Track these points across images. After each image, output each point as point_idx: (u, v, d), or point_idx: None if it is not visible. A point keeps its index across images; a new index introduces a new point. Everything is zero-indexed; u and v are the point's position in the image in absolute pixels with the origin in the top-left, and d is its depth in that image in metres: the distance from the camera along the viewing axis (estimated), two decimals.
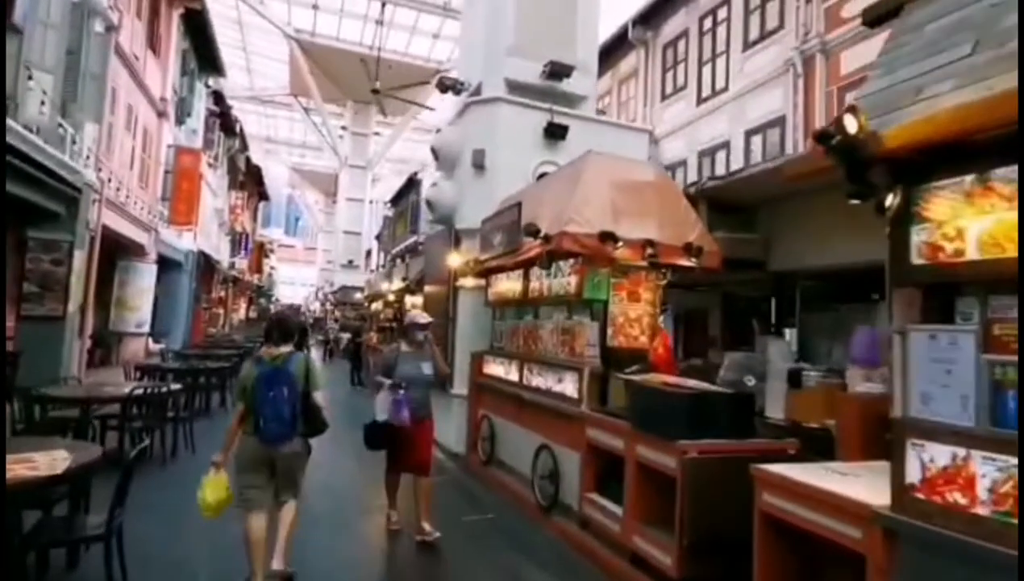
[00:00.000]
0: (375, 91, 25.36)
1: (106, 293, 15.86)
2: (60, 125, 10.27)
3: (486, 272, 6.88)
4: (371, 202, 35.53)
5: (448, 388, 7.99)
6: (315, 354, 16.02)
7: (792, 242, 5.61)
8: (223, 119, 22.03)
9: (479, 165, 7.98)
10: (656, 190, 5.26)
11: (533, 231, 4.83)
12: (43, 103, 9.13)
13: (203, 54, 19.04)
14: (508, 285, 6.61)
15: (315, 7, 25.41)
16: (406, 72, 27.44)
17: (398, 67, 27.07)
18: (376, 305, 15.47)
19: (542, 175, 7.93)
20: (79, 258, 11.13)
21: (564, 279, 5.27)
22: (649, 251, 4.72)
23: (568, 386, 4.96)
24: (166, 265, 18.72)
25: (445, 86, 8.93)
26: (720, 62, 13.45)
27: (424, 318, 5.36)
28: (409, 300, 11.32)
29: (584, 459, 4.70)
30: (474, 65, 8.97)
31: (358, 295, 22.31)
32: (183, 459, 7.28)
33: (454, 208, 8.38)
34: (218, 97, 21.16)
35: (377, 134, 33.11)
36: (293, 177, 45.44)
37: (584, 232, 4.66)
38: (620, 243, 4.61)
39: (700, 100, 13.96)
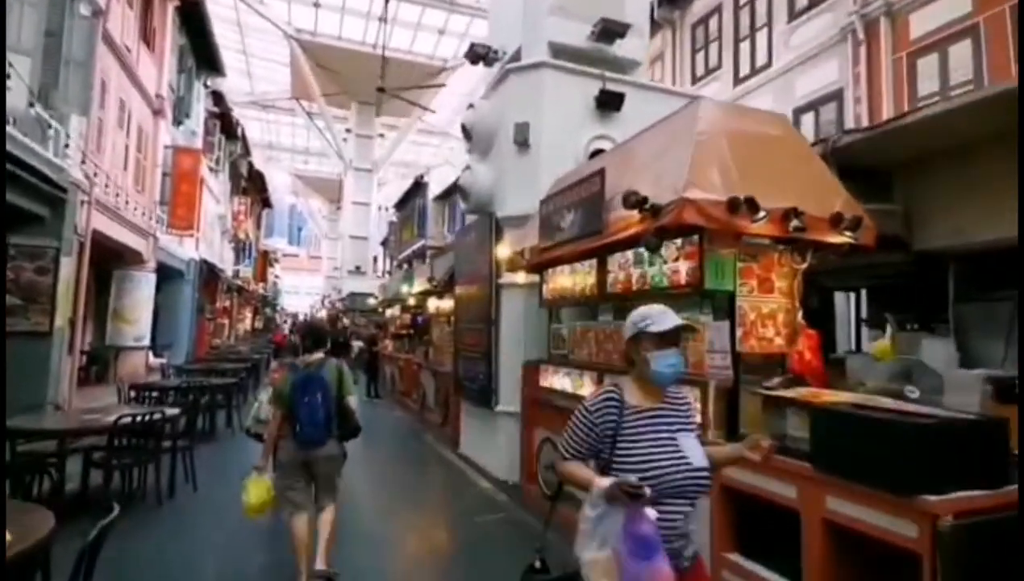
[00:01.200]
0: (380, 89, 24.22)
1: (102, 305, 14.63)
2: (40, 116, 9.05)
3: (542, 265, 5.61)
4: (378, 208, 34.32)
5: (493, 404, 6.73)
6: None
7: (945, 213, 4.34)
8: (223, 121, 20.82)
9: (522, 142, 6.72)
10: (787, 147, 3.98)
11: (637, 202, 3.56)
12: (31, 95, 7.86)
13: (201, 52, 17.84)
14: (573, 279, 5.34)
15: (316, 5, 24.22)
16: (410, 70, 26.26)
17: (402, 65, 25.86)
18: (392, 311, 14.20)
19: (595, 153, 6.68)
20: (67, 266, 9.88)
21: (666, 266, 4.00)
22: (795, 223, 3.44)
23: None
24: (166, 274, 17.48)
25: (476, 55, 7.67)
26: (761, 37, 12.22)
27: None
28: (434, 304, 10.09)
29: (716, 505, 3.42)
30: (509, 29, 7.72)
31: (371, 300, 21.02)
32: (183, 497, 6.01)
33: (491, 194, 7.13)
34: (218, 98, 19.96)
35: (381, 136, 31.89)
36: (296, 184, 44.21)
37: (710, 199, 3.39)
38: (762, 213, 3.35)
39: (737, 80, 12.72)
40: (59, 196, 9.54)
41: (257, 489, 3.60)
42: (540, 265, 5.58)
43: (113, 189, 12.14)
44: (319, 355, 3.93)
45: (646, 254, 4.17)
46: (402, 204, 37.19)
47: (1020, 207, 1.89)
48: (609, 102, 6.87)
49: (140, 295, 14.44)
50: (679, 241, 3.85)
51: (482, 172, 7.26)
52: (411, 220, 36.43)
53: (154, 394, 8.30)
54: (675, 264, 3.90)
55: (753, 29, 12.40)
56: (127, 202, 13.19)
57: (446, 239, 31.74)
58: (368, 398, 13.31)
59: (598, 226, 4.25)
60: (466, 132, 7.58)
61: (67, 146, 9.93)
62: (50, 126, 9.42)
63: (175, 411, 6.18)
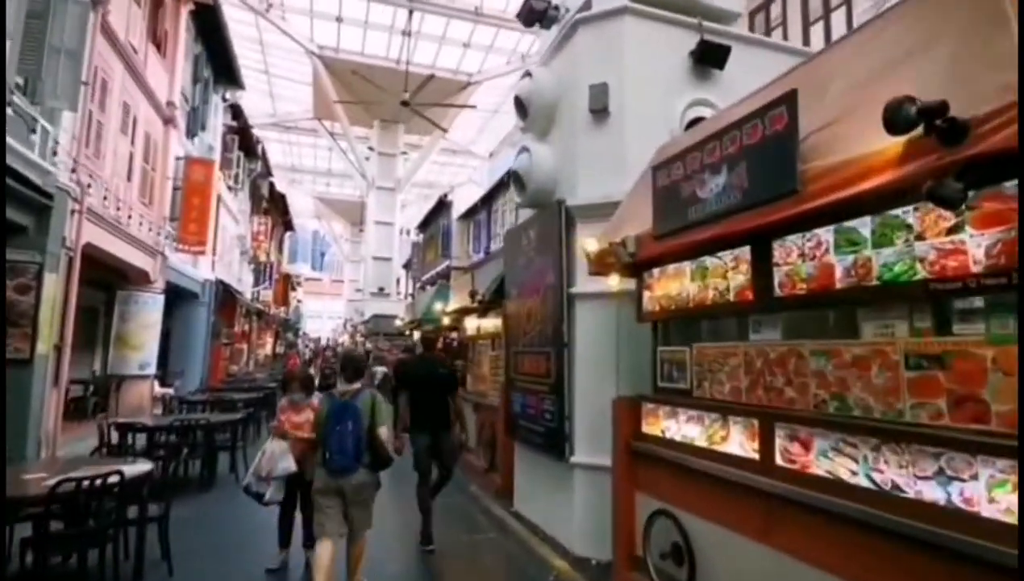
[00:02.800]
0: (405, 103, 23.00)
1: (104, 330, 13.23)
2: (21, 110, 7.69)
3: (654, 260, 3.90)
4: (400, 231, 33.00)
5: (566, 453, 4.99)
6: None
7: None
8: (242, 137, 19.62)
9: (600, 109, 5.08)
10: None
11: (920, 115, 1.85)
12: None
13: (218, 62, 16.68)
14: (700, 281, 3.62)
15: (339, 20, 23.18)
16: (434, 85, 25.03)
17: (426, 80, 24.67)
18: (421, 332, 12.64)
19: (693, 122, 5.03)
20: (52, 284, 8.41)
21: (926, 244, 2.28)
22: None
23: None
24: (180, 296, 16.09)
25: (532, 13, 6.08)
26: None
27: None
28: (473, 323, 8.43)
29: None
30: None
31: (397, 322, 19.42)
32: None
33: (555, 180, 5.49)
34: (236, 112, 18.78)
35: (404, 154, 30.68)
36: (318, 207, 43.27)
37: None
38: None
39: None
40: (44, 203, 8.14)
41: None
42: (654, 259, 3.85)
43: (114, 201, 10.76)
44: (356, 385, 3.96)
45: (872, 228, 2.46)
46: (425, 224, 35.85)
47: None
48: (710, 57, 5.22)
49: (146, 318, 12.99)
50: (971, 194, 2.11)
51: (542, 154, 5.62)
52: (435, 240, 35.04)
53: (132, 436, 6.67)
54: (955, 237, 2.18)
55: None
56: (131, 216, 11.83)
57: (471, 259, 30.24)
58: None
59: (790, 183, 2.54)
60: (520, 107, 5.97)
61: (56, 147, 8.55)
62: (36, 122, 8.06)
63: (144, 467, 4.52)
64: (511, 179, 6.02)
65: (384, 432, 3.87)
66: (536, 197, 5.65)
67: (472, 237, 31.78)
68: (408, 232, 35.66)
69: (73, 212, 8.93)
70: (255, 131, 22.63)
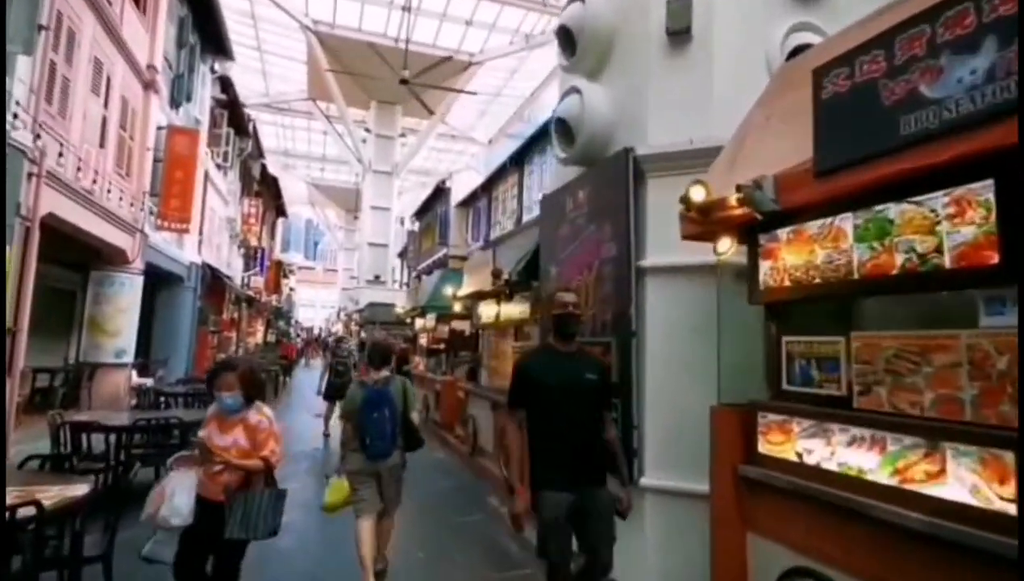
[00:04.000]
0: (404, 81, 21.64)
1: (81, 315, 11.92)
2: None
3: (795, 214, 2.71)
4: (396, 221, 31.68)
5: (634, 474, 3.83)
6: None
7: None
8: (232, 112, 18.23)
9: (681, 29, 3.89)
10: None
11: None
12: None
13: (206, 28, 15.27)
14: (877, 243, 2.44)
15: None
16: (435, 64, 23.68)
17: (427, 59, 23.30)
18: (423, 321, 11.32)
19: (796, 52, 3.86)
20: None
21: None
22: None
23: None
24: (164, 280, 14.77)
25: None
26: None
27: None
28: (490, 310, 7.22)
29: None
30: None
31: (397, 309, 18.16)
32: None
33: (614, 126, 4.30)
34: (226, 85, 17.37)
35: (403, 136, 29.30)
36: (312, 193, 41.74)
37: None
38: None
39: None
40: None
41: (337, 491, 3.86)
42: (810, 207, 2.58)
43: (84, 168, 9.45)
44: (385, 372, 4.03)
45: None
46: (422, 212, 34.49)
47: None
48: None
49: (122, 301, 11.69)
50: None
51: (597, 95, 4.42)
52: (432, 228, 33.66)
53: (86, 437, 5.46)
54: None
55: None
56: (108, 189, 10.52)
57: (469, 248, 29.04)
58: None
59: None
60: (566, 39, 4.77)
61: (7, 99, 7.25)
62: None
63: (78, 489, 3.31)
64: (553, 129, 4.81)
65: (416, 416, 4.09)
66: (588, 149, 4.46)
67: (471, 224, 30.47)
68: (403, 221, 34.37)
69: (30, 176, 7.64)
70: (248, 109, 21.22)
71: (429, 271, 32.75)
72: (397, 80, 22.06)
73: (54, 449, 5.73)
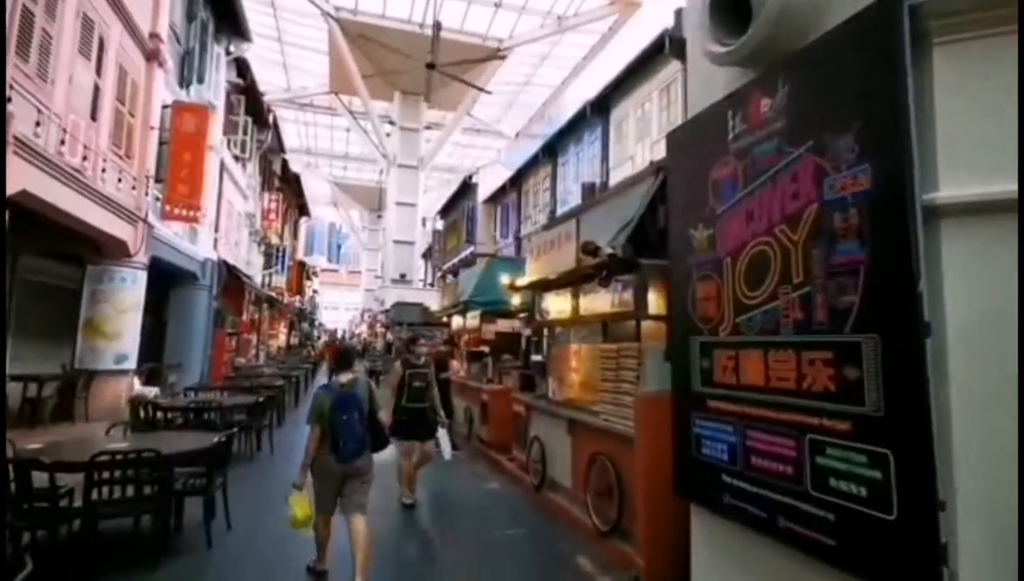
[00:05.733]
0: (431, 65, 19.97)
1: (71, 314, 10.42)
2: None
3: None
4: (421, 222, 30.12)
5: None
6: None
7: None
8: (250, 98, 16.75)
9: None
10: None
11: None
12: None
13: (219, 6, 13.80)
14: None
15: None
16: (461, 52, 21.99)
17: (453, 47, 21.60)
18: (464, 320, 9.56)
19: None
20: None
21: None
22: None
23: None
24: (176, 277, 13.28)
25: None
26: None
27: None
28: (558, 303, 5.42)
29: None
30: None
31: (433, 307, 16.41)
32: None
33: None
34: (243, 68, 15.89)
35: (428, 129, 27.69)
36: (335, 193, 40.40)
37: None
38: None
39: None
40: None
41: (300, 505, 3.67)
42: None
43: (69, 142, 7.91)
44: (351, 375, 3.99)
45: None
46: (447, 210, 32.84)
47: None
48: None
49: (123, 300, 10.18)
50: None
51: None
52: (458, 226, 31.98)
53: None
54: None
55: None
56: (104, 171, 9.00)
57: (497, 245, 27.26)
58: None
59: None
60: None
61: None
62: None
63: None
64: (708, 12, 3.01)
65: (383, 415, 4.18)
66: (780, 28, 2.67)
67: (500, 221, 28.73)
68: (425, 222, 32.75)
69: None
70: (266, 100, 19.76)
71: (455, 271, 31.15)
72: (422, 68, 20.47)
73: None
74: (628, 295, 4.48)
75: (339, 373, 4.03)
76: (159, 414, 7.09)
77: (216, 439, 4.74)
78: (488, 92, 22.42)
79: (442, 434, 5.63)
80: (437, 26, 18.58)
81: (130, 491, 4.28)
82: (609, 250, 4.03)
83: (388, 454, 4.66)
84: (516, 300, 7.01)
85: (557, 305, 5.84)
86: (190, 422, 6.91)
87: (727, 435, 2.95)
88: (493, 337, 8.77)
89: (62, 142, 7.75)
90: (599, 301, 4.99)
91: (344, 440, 3.76)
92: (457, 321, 10.26)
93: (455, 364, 9.07)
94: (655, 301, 4.26)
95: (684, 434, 3.31)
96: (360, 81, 23.35)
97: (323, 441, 3.81)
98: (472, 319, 9.24)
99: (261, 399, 7.99)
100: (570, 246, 4.88)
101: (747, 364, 2.84)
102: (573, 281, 5.19)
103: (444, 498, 6.26)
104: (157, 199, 10.67)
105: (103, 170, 9.02)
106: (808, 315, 2.50)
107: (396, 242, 25.53)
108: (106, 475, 4.13)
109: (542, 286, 5.87)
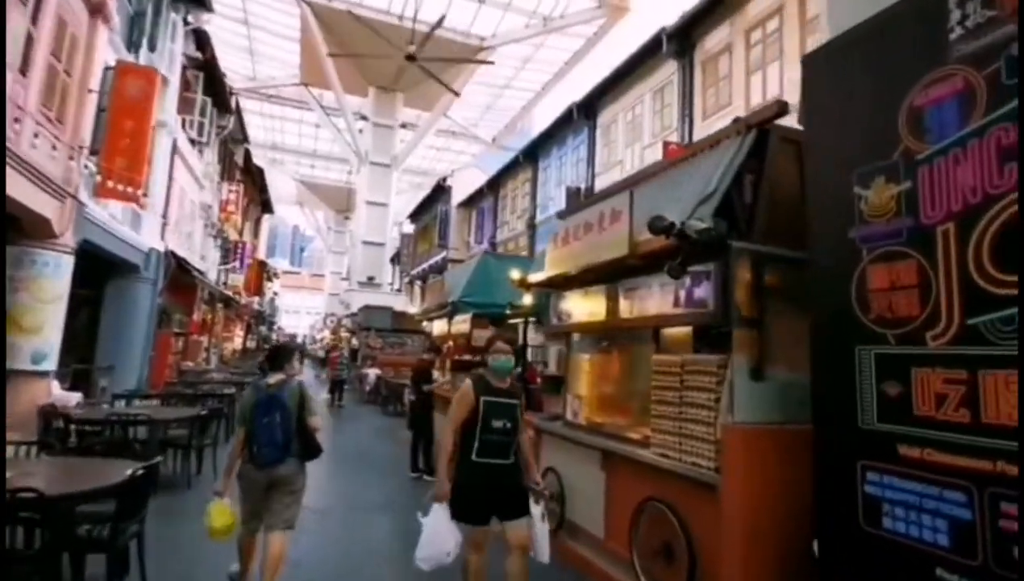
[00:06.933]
0: (410, 57, 18.75)
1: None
2: None
3: None
4: (393, 225, 28.64)
5: None
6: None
7: None
8: (210, 76, 15.17)
9: None
10: None
11: None
12: None
13: None
14: None
15: None
16: (441, 49, 20.83)
17: (433, 42, 20.41)
18: (449, 324, 8.22)
19: None
20: None
21: None
22: None
23: None
24: (115, 268, 11.61)
25: None
26: None
27: None
28: (586, 305, 4.17)
29: None
30: None
31: (411, 309, 15.01)
32: None
33: None
34: (202, 41, 14.31)
35: (404, 127, 26.34)
36: (301, 192, 38.41)
37: None
38: None
39: None
40: None
41: (220, 513, 3.39)
42: None
43: None
44: (281, 376, 3.61)
45: None
46: (418, 213, 31.41)
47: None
48: None
49: (45, 289, 8.53)
50: None
51: None
52: (429, 230, 30.51)
53: None
54: None
55: None
56: (36, 136, 7.43)
57: (471, 251, 25.96)
58: (416, 473, 7.00)
59: None
60: None
61: None
62: None
63: None
64: None
65: (316, 421, 3.64)
66: None
67: (475, 226, 27.46)
68: (395, 226, 31.28)
69: None
70: (230, 87, 18.11)
71: (424, 277, 29.69)
72: (398, 62, 19.26)
73: None
74: (701, 291, 3.36)
75: (270, 373, 3.62)
76: (72, 428, 5.60)
77: (131, 472, 3.38)
78: (456, 93, 21.25)
79: (538, 515, 3.27)
80: (415, 20, 17.42)
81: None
82: (701, 224, 2.90)
83: (443, 547, 3.10)
84: (527, 300, 5.83)
85: (585, 306, 4.69)
86: (115, 440, 5.46)
87: (949, 504, 1.83)
88: (485, 344, 7.55)
89: None
90: (651, 301, 3.86)
91: (259, 444, 3.43)
92: (439, 326, 9.00)
93: (437, 375, 7.80)
94: (744, 300, 3.16)
95: (841, 492, 2.19)
96: (333, 73, 21.89)
97: (245, 446, 3.49)
98: (460, 323, 8.01)
99: (204, 411, 6.55)
100: (618, 227, 3.74)
101: (995, 391, 1.73)
102: (617, 274, 4.04)
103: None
104: (92, 174, 9.09)
105: (35, 136, 7.48)
106: None
107: (365, 243, 24.01)
108: None
109: (568, 281, 4.70)
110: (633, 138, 15.11)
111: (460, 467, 3.24)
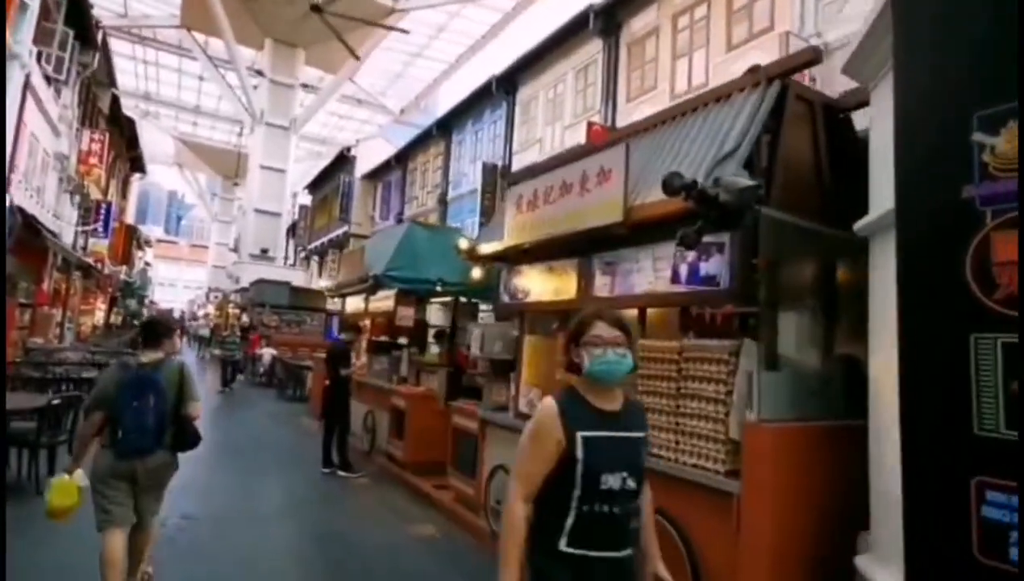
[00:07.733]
0: (316, 8, 16.98)
1: None
2: None
3: None
4: (291, 195, 26.32)
5: None
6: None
7: None
8: (74, 3, 12.64)
9: None
10: None
11: None
12: None
13: None
14: None
15: None
16: (350, 7, 19.17)
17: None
18: (366, 303, 7.12)
19: None
20: None
21: None
22: None
23: None
24: None
25: None
26: None
27: None
28: (549, 282, 3.54)
29: None
30: None
31: (322, 283, 13.48)
32: None
33: None
34: None
35: (305, 87, 24.10)
36: (181, 152, 34.24)
37: None
38: None
39: None
40: None
41: (62, 490, 2.94)
42: None
43: None
44: (159, 354, 3.18)
45: None
46: (318, 183, 29.12)
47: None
48: None
49: None
50: None
51: None
52: (330, 203, 28.38)
53: None
54: None
55: None
56: None
57: (375, 226, 24.43)
58: (330, 470, 6.09)
59: None
60: None
61: None
62: None
63: None
64: None
65: (196, 407, 3.24)
66: None
67: (380, 199, 25.84)
68: (293, 196, 28.88)
69: None
70: (97, 19, 15.30)
71: (322, 251, 27.65)
72: (301, 10, 17.39)
73: None
74: (710, 266, 2.87)
75: (145, 350, 3.19)
76: None
77: None
78: (357, 57, 19.75)
79: None
80: None
81: None
82: (744, 181, 2.36)
83: None
84: (476, 274, 5.08)
85: (549, 283, 4.07)
86: None
87: None
88: (411, 324, 6.69)
89: None
90: (639, 276, 3.32)
91: (125, 430, 2.98)
92: (354, 302, 7.95)
93: (356, 359, 6.85)
94: (769, 278, 2.70)
95: (945, 514, 1.76)
96: (223, 17, 19.38)
97: (104, 430, 3.07)
98: (380, 301, 7.06)
99: (57, 400, 5.21)
100: (609, 188, 3.14)
101: None
102: (594, 245, 3.44)
103: (360, 557, 4.18)
104: None
105: None
106: None
107: (259, 212, 21.80)
108: None
109: (528, 254, 4.05)
110: (554, 117, 14.66)
111: (535, 562, 1.73)
